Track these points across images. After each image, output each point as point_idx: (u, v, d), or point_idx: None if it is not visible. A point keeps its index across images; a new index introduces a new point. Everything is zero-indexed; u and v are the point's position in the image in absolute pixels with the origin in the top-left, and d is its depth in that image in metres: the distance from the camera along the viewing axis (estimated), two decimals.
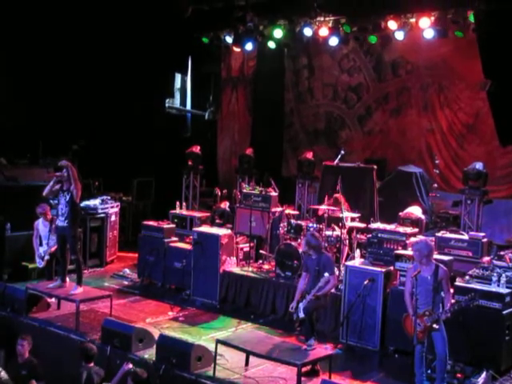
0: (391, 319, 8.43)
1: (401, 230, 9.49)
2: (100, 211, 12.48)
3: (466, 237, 9.72)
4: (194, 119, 17.07)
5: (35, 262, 10.51)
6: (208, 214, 12.87)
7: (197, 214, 12.79)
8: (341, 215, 10.00)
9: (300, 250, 9.95)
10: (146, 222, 11.90)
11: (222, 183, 15.69)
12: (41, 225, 10.36)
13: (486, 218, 11.05)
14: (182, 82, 17.07)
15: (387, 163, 13.58)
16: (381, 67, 14.19)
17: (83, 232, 11.92)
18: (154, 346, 8.03)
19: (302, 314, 7.89)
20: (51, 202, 11.33)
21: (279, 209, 11.50)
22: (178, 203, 13.04)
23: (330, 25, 13.15)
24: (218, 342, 7.80)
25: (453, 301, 7.15)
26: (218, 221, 12.35)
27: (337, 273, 8.91)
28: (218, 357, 7.70)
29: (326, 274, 7.91)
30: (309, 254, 8.23)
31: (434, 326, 6.94)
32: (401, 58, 13.78)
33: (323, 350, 8.19)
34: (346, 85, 14.84)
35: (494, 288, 7.96)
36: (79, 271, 9.49)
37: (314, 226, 10.31)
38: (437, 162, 12.44)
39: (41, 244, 10.33)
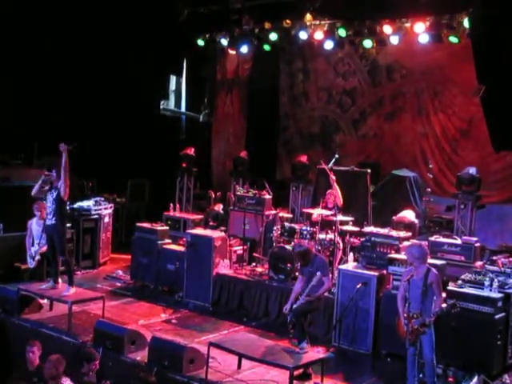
0: (384, 323, 8.44)
1: (394, 233, 9.49)
2: (93, 212, 12.44)
3: (458, 241, 9.73)
4: (189, 121, 17.04)
5: (27, 263, 10.48)
6: (202, 217, 12.86)
7: (190, 217, 12.78)
8: (334, 214, 10.00)
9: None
10: (139, 224, 11.86)
11: (216, 186, 15.68)
12: (34, 224, 10.33)
13: (478, 223, 11.07)
14: (177, 84, 17.05)
15: (381, 167, 13.60)
16: (376, 71, 14.20)
17: (76, 233, 11.90)
18: (147, 349, 8.01)
19: None
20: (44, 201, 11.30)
21: (273, 212, 11.52)
22: (171, 205, 13.03)
23: (326, 28, 13.16)
24: (211, 344, 7.79)
25: (444, 305, 7.16)
26: (211, 223, 12.33)
27: (330, 276, 8.92)
28: (210, 359, 7.69)
29: (318, 273, 7.94)
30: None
31: (422, 329, 6.93)
32: (396, 63, 13.80)
33: (315, 353, 8.21)
34: (341, 89, 14.84)
35: (486, 293, 7.98)
36: (70, 272, 9.40)
37: (308, 229, 10.32)
38: (430, 166, 12.47)
39: (33, 244, 10.30)
